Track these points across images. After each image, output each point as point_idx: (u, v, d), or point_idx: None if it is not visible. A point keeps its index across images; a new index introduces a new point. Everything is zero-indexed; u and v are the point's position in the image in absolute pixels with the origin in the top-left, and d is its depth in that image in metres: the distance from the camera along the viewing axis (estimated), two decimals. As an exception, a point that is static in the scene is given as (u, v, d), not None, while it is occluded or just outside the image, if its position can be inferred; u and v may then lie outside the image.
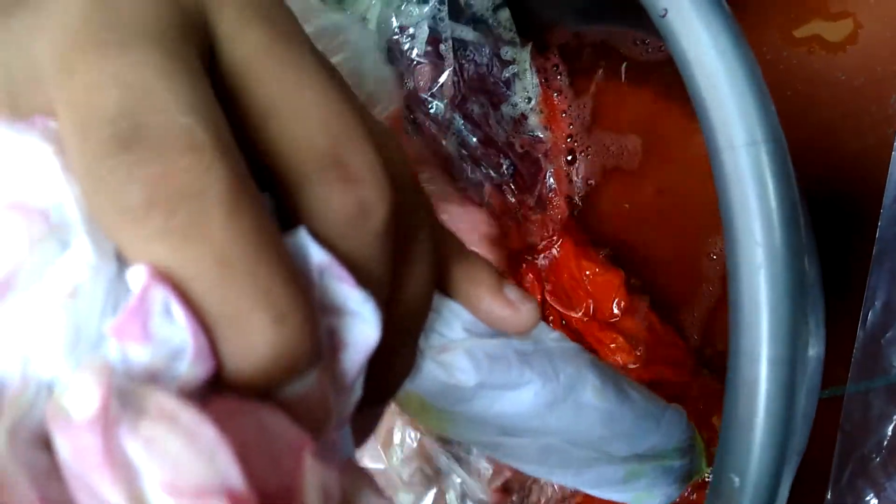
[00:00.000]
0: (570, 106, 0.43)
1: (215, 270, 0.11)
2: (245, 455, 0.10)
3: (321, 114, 0.13)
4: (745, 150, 0.22)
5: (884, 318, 0.34)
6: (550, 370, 0.21)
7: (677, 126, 0.41)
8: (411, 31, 0.40)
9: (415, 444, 0.41)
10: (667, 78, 0.40)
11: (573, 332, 0.44)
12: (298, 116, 0.13)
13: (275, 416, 0.11)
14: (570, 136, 0.43)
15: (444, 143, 0.42)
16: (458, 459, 0.41)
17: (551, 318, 0.44)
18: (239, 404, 0.11)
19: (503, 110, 0.42)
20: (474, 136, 0.42)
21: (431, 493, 0.41)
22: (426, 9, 0.40)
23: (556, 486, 0.42)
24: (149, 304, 0.10)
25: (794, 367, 0.22)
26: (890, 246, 0.34)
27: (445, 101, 0.41)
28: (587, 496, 0.41)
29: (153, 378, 0.10)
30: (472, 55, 0.41)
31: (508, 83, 0.42)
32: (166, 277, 0.10)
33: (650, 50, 0.41)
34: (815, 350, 0.34)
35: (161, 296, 0.10)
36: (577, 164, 0.44)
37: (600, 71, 0.42)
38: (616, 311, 0.43)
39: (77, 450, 0.09)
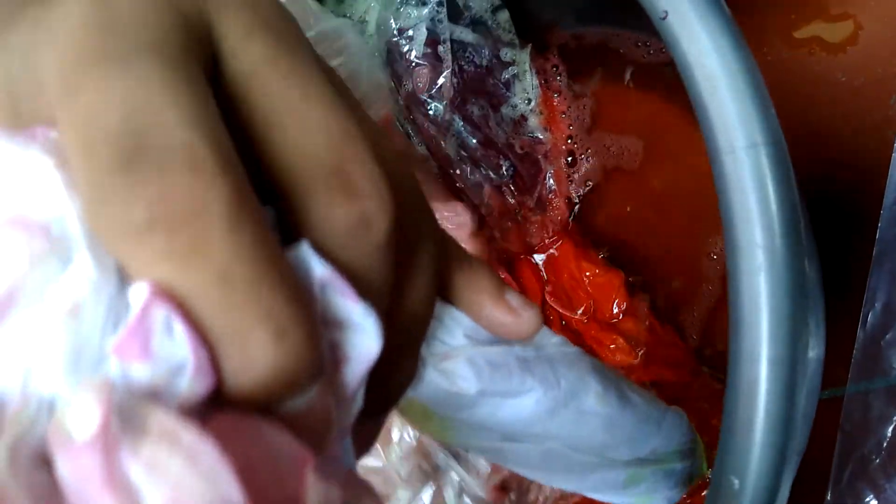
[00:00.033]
0: (570, 107, 0.43)
1: (217, 288, 0.10)
2: (247, 473, 0.10)
3: (324, 126, 0.13)
4: (745, 152, 0.22)
5: (884, 320, 0.34)
6: (552, 376, 0.21)
7: (677, 127, 0.41)
8: (410, 32, 0.40)
9: (413, 442, 0.41)
10: (668, 79, 0.40)
11: (573, 333, 0.44)
12: (302, 128, 0.13)
13: (276, 432, 0.11)
14: (569, 137, 0.43)
15: (443, 144, 0.42)
16: (457, 457, 0.41)
17: (551, 318, 0.44)
18: (240, 420, 0.11)
19: (503, 112, 0.42)
20: (474, 137, 0.42)
21: (429, 490, 0.41)
22: (425, 10, 0.40)
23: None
24: (150, 322, 0.10)
25: (795, 367, 0.22)
26: (890, 247, 0.34)
27: (445, 102, 0.41)
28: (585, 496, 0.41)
29: (154, 395, 0.10)
30: (471, 56, 0.41)
31: (508, 84, 0.42)
32: (168, 294, 0.10)
33: (652, 52, 0.41)
34: (815, 351, 0.34)
35: (162, 314, 0.10)
36: (576, 165, 0.43)
37: (600, 72, 0.42)
38: (616, 311, 0.43)
39: (78, 470, 0.09)
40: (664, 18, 0.24)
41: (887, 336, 0.35)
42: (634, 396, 0.24)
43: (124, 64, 0.11)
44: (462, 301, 0.19)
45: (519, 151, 0.43)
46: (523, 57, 0.42)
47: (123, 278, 0.11)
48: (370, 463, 0.41)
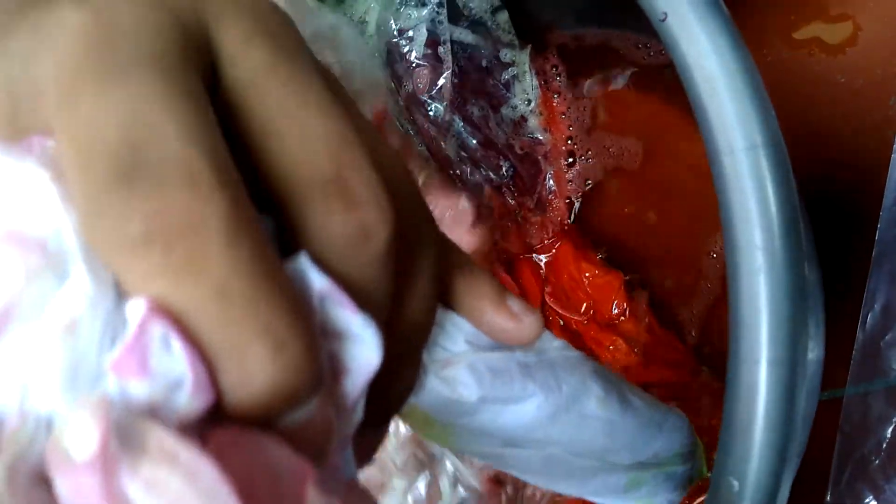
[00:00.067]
0: (570, 108, 0.43)
1: (214, 303, 0.10)
2: (247, 489, 0.10)
3: (323, 135, 0.13)
4: (744, 154, 0.22)
5: (883, 321, 0.34)
6: (553, 381, 0.21)
7: (677, 128, 0.41)
8: (410, 33, 0.40)
9: (409, 432, 0.41)
10: (667, 80, 0.40)
11: (572, 334, 0.44)
12: (299, 136, 0.13)
13: (276, 446, 0.11)
14: (569, 137, 0.43)
15: (443, 145, 0.42)
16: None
17: (551, 319, 0.44)
18: (240, 435, 0.11)
19: (503, 112, 0.42)
20: (474, 138, 0.41)
21: (425, 479, 0.41)
22: (425, 11, 0.40)
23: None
24: (148, 338, 0.10)
25: (794, 369, 0.22)
26: (889, 248, 0.34)
27: (445, 103, 0.41)
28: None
29: (153, 411, 0.10)
30: (471, 57, 0.41)
31: (508, 85, 0.42)
32: (165, 310, 0.10)
33: (651, 53, 0.41)
34: (814, 352, 0.34)
35: (160, 330, 0.10)
36: (576, 166, 0.43)
37: (600, 73, 0.42)
38: (616, 312, 0.43)
39: (77, 490, 0.09)
40: (663, 20, 0.24)
41: (887, 337, 0.35)
42: (636, 400, 0.24)
43: (123, 76, 0.11)
44: (463, 307, 0.19)
45: (519, 152, 0.43)
46: (523, 58, 0.42)
47: (120, 293, 0.11)
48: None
